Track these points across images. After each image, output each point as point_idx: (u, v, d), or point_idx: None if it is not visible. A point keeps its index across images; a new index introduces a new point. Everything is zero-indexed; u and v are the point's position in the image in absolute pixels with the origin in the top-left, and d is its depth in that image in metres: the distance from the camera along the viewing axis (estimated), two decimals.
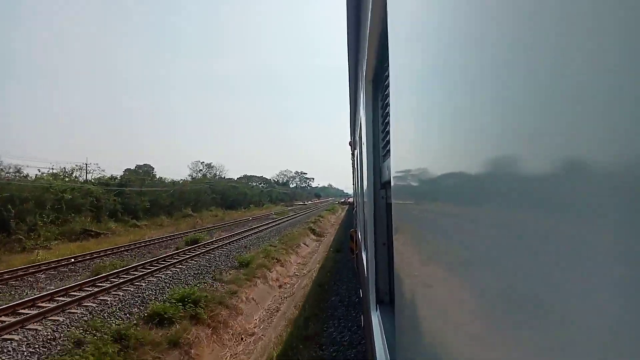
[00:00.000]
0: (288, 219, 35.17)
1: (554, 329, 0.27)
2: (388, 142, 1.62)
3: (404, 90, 0.96)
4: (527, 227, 0.32)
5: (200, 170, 68.02)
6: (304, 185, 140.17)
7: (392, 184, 1.24)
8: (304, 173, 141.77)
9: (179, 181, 44.54)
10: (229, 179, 66.13)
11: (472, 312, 0.47)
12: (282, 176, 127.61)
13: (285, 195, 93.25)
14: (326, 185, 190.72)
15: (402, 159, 1.03)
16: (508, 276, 0.35)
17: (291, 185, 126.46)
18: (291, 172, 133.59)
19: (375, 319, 2.38)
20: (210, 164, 70.12)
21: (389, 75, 1.23)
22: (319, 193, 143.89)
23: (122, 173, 40.53)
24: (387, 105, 1.61)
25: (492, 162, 0.40)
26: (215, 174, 67.63)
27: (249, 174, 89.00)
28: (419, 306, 0.82)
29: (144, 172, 48.52)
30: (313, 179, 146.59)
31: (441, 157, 0.61)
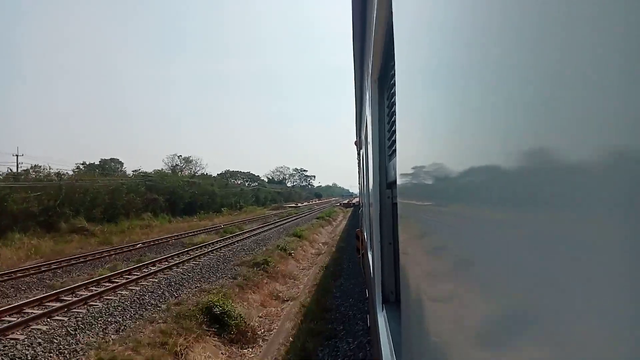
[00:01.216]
0: (232, 240, 18.94)
1: (560, 328, 0.27)
2: (394, 141, 1.62)
3: (411, 90, 0.96)
4: (533, 227, 0.31)
5: (177, 164, 57.52)
6: (304, 184, 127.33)
7: (398, 183, 1.24)
8: (304, 170, 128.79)
9: (62, 175, 27.03)
10: (192, 174, 49.98)
11: (478, 312, 0.47)
12: (277, 173, 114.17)
13: (278, 195, 78.54)
14: (330, 185, 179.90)
15: (408, 159, 1.03)
16: (514, 276, 0.35)
17: (289, 184, 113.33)
18: (289, 168, 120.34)
19: (381, 318, 2.37)
20: (188, 157, 59.00)
21: (395, 75, 1.23)
22: (319, 193, 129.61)
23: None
24: (393, 104, 1.61)
25: (498, 161, 0.39)
26: (195, 169, 56.80)
27: (232, 170, 75.97)
28: (425, 306, 0.82)
29: (102, 167, 38.65)
30: (314, 176, 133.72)
31: (447, 157, 0.61)
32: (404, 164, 1.11)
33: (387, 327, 2.14)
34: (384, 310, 2.45)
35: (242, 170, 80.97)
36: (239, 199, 51.13)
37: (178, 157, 58.92)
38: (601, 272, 0.22)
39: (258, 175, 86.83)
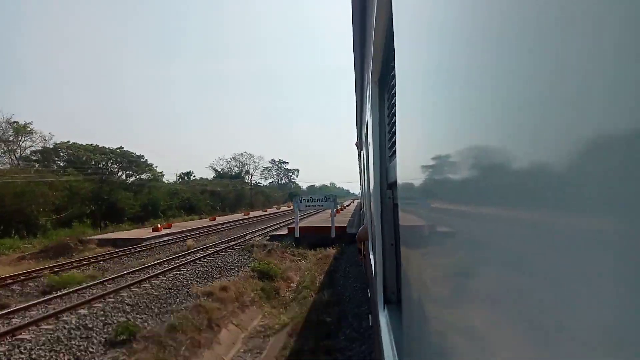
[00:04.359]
0: None
1: (561, 329, 0.27)
2: (394, 142, 1.63)
3: (411, 91, 0.96)
4: (534, 227, 0.31)
5: (29, 145, 30.49)
6: (283, 181, 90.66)
7: (398, 184, 1.25)
8: (284, 162, 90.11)
9: None
10: None
11: (479, 312, 0.47)
12: (235, 163, 71.64)
13: (212, 198, 46.64)
14: (327, 184, 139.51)
15: (408, 160, 1.03)
16: (515, 276, 0.35)
17: (260, 181, 76.83)
18: (252, 156, 74.15)
19: (383, 319, 2.37)
20: (46, 136, 31.30)
21: (395, 76, 1.23)
22: (296, 194, 70.89)
23: None
24: (394, 105, 1.61)
25: (499, 162, 0.40)
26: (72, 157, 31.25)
27: (82, 143, 33.69)
28: (427, 306, 0.82)
29: None
30: (297, 170, 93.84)
31: (447, 157, 0.62)
32: (404, 164, 1.11)
33: (389, 328, 2.14)
34: (386, 311, 2.45)
35: (113, 147, 37.67)
36: None
37: (12, 123, 29.23)
38: (602, 273, 0.22)
39: (151, 164, 41.08)
